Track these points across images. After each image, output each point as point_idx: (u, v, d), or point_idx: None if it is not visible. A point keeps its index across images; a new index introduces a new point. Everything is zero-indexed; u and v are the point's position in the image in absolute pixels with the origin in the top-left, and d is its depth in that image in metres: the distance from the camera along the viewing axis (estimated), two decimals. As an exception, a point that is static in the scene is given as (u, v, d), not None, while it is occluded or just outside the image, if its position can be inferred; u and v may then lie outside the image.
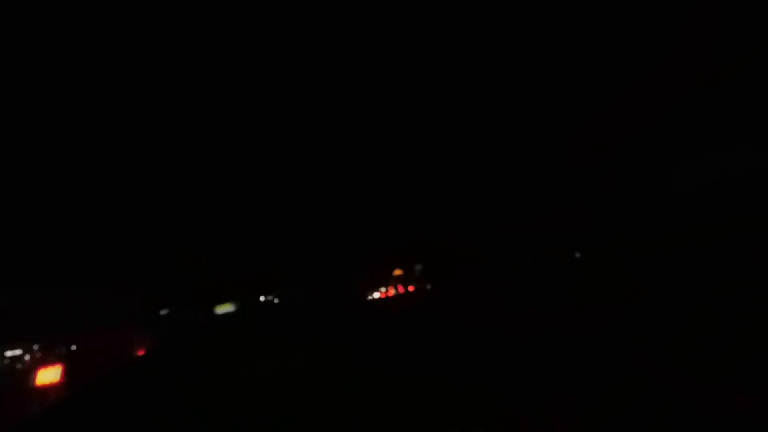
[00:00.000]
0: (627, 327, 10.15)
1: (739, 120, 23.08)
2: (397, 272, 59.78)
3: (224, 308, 56.40)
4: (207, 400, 10.49)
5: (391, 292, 55.22)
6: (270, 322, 35.97)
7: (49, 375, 21.20)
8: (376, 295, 55.30)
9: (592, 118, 28.94)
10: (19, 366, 34.46)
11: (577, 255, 29.00)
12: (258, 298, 56.43)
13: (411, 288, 54.74)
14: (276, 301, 56.15)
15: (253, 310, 51.16)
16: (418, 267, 59.36)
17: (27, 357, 36.44)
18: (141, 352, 31.37)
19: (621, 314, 11.86)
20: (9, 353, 36.98)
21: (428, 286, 47.85)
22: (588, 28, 28.83)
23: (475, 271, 43.48)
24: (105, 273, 41.73)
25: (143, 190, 43.02)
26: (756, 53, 21.87)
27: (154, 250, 44.96)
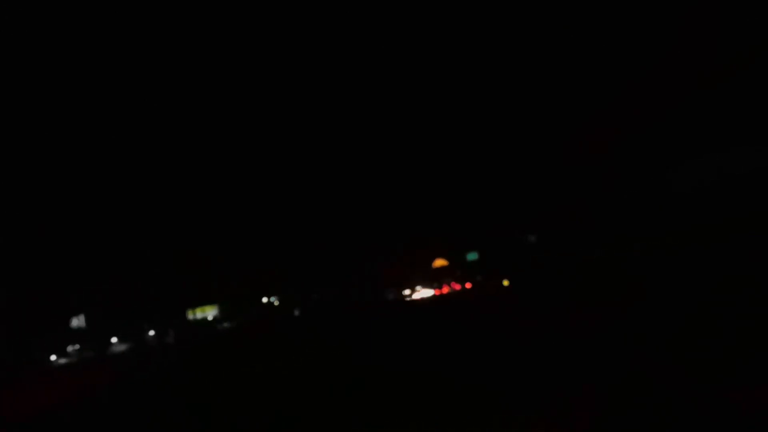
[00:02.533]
0: (627, 327, 10.15)
1: (739, 120, 23.08)
2: (439, 263, 44.75)
3: (204, 312, 48.42)
4: (207, 400, 10.49)
5: (444, 290, 40.74)
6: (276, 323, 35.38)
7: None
8: (419, 295, 41.19)
9: (592, 118, 28.94)
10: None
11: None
12: (260, 300, 50.89)
13: (468, 285, 39.31)
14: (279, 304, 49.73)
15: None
16: (472, 256, 43.57)
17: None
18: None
19: (621, 314, 11.86)
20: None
21: (505, 282, 31.43)
22: (588, 28, 28.82)
23: (474, 270, 43.19)
24: (105, 273, 41.28)
25: (143, 191, 42.83)
26: (756, 53, 21.87)
27: (154, 250, 44.00)
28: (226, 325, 45.81)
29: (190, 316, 47.16)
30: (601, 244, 26.86)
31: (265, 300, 50.92)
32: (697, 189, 24.08)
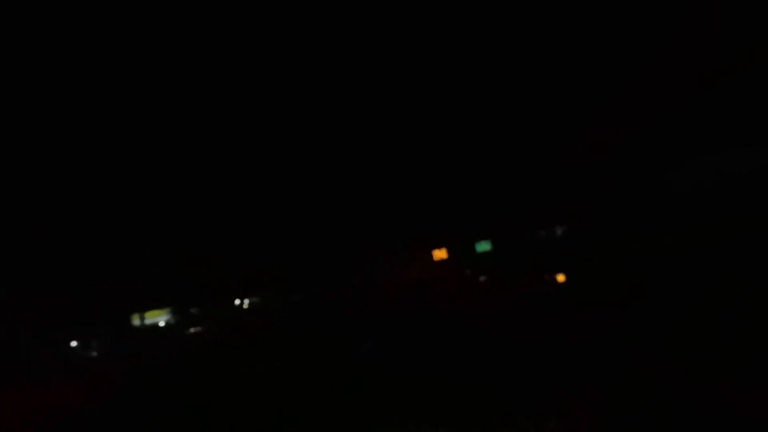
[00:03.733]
0: (627, 327, 10.15)
1: (739, 120, 23.09)
2: (439, 254, 38.10)
3: (156, 316, 43.74)
4: (207, 400, 10.49)
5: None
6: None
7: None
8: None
9: (592, 118, 28.93)
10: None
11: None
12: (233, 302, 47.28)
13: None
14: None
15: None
16: (483, 246, 36.49)
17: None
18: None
19: (621, 314, 11.87)
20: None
21: (560, 278, 23.95)
22: (588, 27, 28.82)
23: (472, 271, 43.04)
24: (105, 273, 40.94)
25: (143, 190, 42.60)
26: (756, 53, 21.88)
27: (154, 250, 43.17)
28: (192, 330, 40.48)
29: (136, 321, 41.45)
30: (601, 244, 26.82)
31: (237, 302, 47.50)
32: (697, 189, 24.08)
